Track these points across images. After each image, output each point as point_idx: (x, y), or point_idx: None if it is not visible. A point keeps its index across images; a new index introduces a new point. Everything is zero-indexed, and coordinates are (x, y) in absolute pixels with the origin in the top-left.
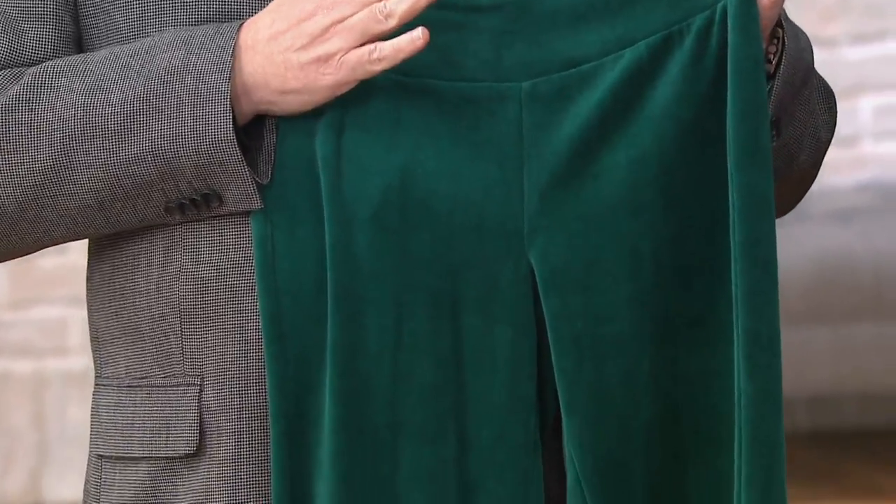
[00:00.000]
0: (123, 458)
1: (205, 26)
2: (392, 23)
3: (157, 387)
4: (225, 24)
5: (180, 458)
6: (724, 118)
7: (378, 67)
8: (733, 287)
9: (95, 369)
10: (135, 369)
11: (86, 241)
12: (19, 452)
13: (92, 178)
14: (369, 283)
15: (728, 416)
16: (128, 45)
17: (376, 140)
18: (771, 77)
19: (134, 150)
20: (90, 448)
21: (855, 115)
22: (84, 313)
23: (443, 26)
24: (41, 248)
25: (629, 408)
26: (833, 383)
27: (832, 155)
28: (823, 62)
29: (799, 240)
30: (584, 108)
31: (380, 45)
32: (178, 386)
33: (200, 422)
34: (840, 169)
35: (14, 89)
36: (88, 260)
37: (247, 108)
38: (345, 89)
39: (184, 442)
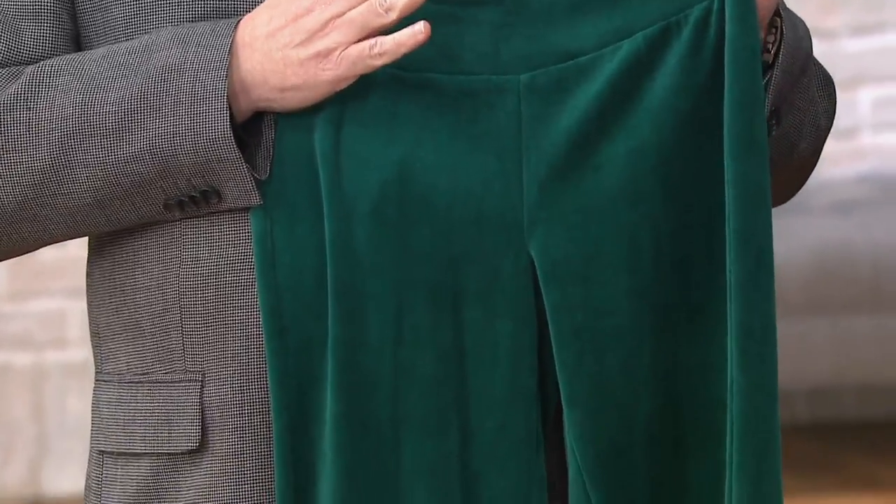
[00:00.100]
0: (125, 454)
1: (202, 24)
2: (392, 16)
3: (159, 383)
4: (222, 21)
5: (182, 453)
6: (722, 109)
7: (379, 62)
8: (727, 277)
9: (96, 365)
10: (136, 365)
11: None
12: (18, 444)
13: (90, 177)
14: (369, 278)
15: (728, 407)
16: (125, 44)
17: (375, 134)
18: (770, 67)
19: (132, 149)
20: (91, 444)
21: (854, 107)
22: (83, 305)
23: (441, 20)
24: (41, 247)
25: (630, 399)
26: (832, 375)
27: (831, 147)
28: (823, 54)
29: (798, 232)
30: (582, 100)
31: (380, 39)
32: (179, 382)
33: (202, 417)
34: (839, 161)
35: (12, 88)
36: (88, 256)
37: (245, 106)
38: (345, 84)
39: (186, 438)
